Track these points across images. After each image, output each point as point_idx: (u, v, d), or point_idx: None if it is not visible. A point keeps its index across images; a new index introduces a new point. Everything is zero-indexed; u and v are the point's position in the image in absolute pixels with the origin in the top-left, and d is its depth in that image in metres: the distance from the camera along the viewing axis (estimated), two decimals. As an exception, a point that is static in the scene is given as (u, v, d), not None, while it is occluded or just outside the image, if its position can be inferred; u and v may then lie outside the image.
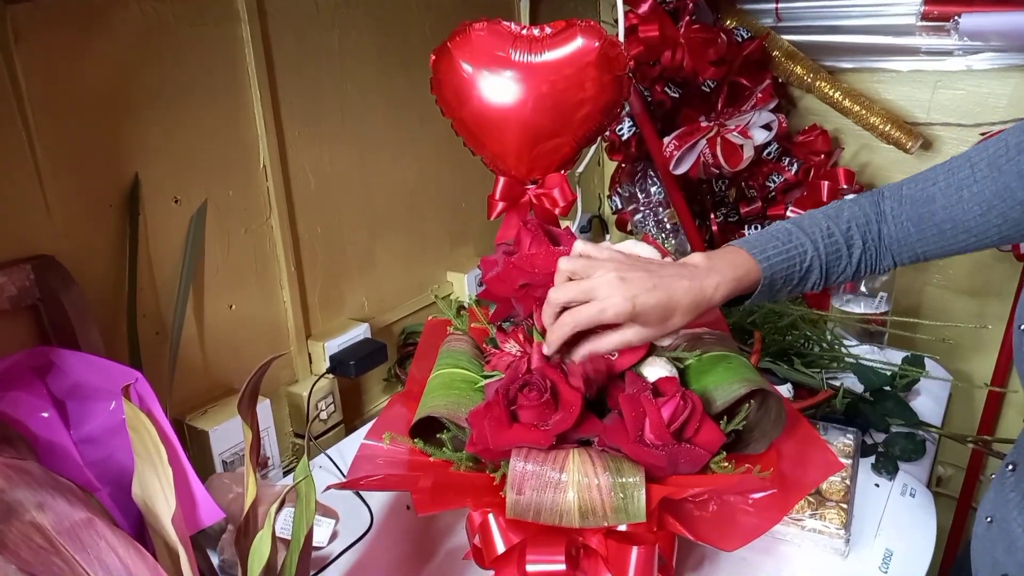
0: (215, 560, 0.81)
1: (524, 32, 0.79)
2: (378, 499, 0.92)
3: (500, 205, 0.89)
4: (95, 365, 0.75)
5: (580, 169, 1.37)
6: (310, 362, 1.10)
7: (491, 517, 0.66)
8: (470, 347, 0.81)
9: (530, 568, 0.64)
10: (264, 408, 0.98)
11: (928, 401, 1.08)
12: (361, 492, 0.93)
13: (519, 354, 0.73)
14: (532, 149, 0.82)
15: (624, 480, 0.61)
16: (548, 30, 0.79)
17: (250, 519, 0.65)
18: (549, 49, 0.78)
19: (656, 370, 0.70)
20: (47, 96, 0.76)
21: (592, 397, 0.67)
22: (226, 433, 0.92)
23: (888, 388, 1.02)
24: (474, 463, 0.69)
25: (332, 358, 1.08)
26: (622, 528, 0.63)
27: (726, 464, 0.64)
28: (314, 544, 0.82)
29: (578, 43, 0.77)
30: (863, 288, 1.16)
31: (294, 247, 1.05)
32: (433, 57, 0.84)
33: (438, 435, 0.70)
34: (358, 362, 1.08)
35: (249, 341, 1.01)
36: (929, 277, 1.40)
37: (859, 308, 1.15)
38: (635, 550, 0.64)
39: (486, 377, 0.74)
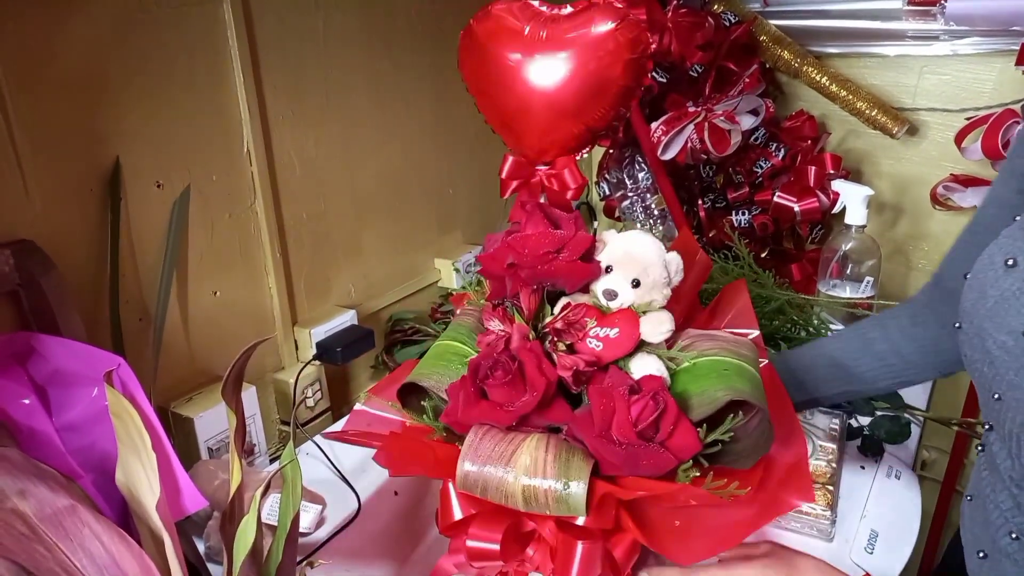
0: (201, 547, 0.81)
1: (546, 10, 0.77)
2: (365, 485, 0.92)
3: (513, 184, 0.88)
4: (77, 351, 0.74)
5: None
6: (296, 349, 1.10)
7: (451, 486, 0.67)
8: (475, 322, 0.80)
9: (469, 543, 0.66)
10: (250, 395, 0.97)
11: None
12: (348, 478, 0.93)
13: (502, 333, 0.72)
14: (549, 132, 0.80)
15: (569, 472, 0.60)
16: (569, 8, 0.77)
17: (235, 505, 0.64)
18: (569, 30, 0.76)
19: (644, 366, 0.67)
20: (25, 78, 0.75)
21: (577, 391, 0.66)
22: (211, 420, 0.91)
23: (874, 372, 1.03)
24: (448, 434, 0.69)
25: (319, 345, 1.08)
26: (579, 522, 0.63)
27: (697, 474, 0.61)
28: (301, 530, 0.82)
29: (596, 23, 0.75)
30: (849, 272, 1.17)
31: (279, 233, 1.04)
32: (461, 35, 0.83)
33: (422, 403, 0.71)
34: (345, 349, 1.07)
35: (234, 327, 1.00)
36: (915, 262, 1.41)
37: (845, 293, 1.16)
38: (580, 545, 0.63)
39: (476, 352, 0.74)
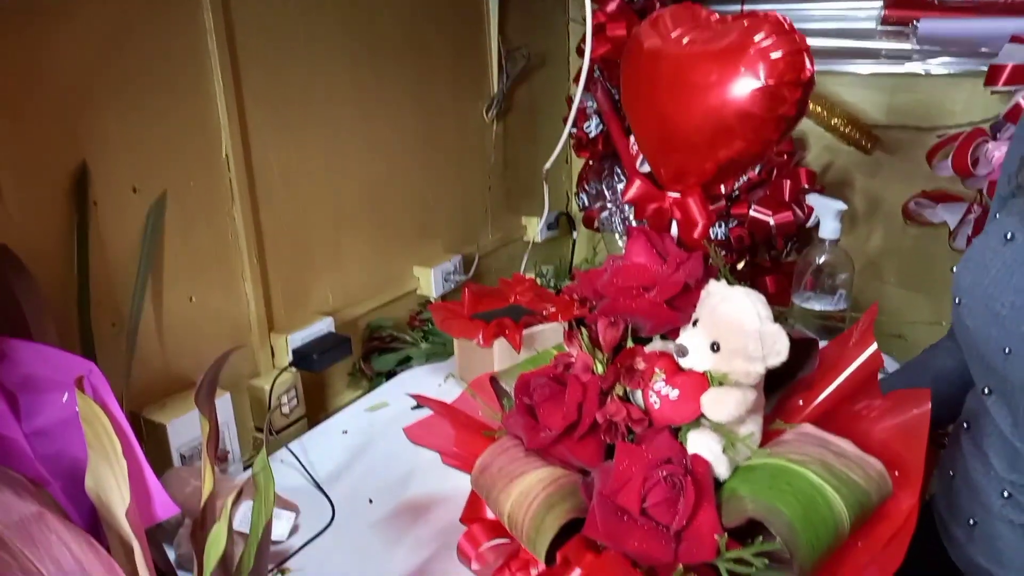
0: (172, 555, 0.80)
1: (712, 19, 0.71)
2: (340, 492, 0.91)
3: (651, 207, 0.83)
4: (48, 356, 0.73)
5: (548, 166, 1.38)
6: (272, 355, 1.09)
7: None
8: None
9: (463, 539, 0.67)
10: (224, 402, 0.96)
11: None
12: (322, 486, 0.92)
13: (574, 359, 0.67)
14: (672, 152, 0.75)
15: (547, 517, 0.57)
16: (741, 23, 0.69)
17: (207, 512, 0.64)
18: (721, 51, 0.68)
19: (698, 442, 0.59)
20: (-1, 81, 0.74)
21: (609, 442, 0.61)
22: (184, 426, 0.90)
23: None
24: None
25: (295, 352, 1.07)
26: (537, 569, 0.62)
27: None
28: (274, 538, 0.81)
29: (753, 63, 0.66)
30: (822, 285, 1.18)
31: (257, 239, 1.03)
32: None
33: (502, 401, 0.72)
34: (321, 356, 1.07)
35: (210, 334, 0.99)
36: (887, 276, 1.44)
37: (819, 305, 1.17)
38: None
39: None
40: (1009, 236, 0.66)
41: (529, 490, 0.60)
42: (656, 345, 0.65)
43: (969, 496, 0.72)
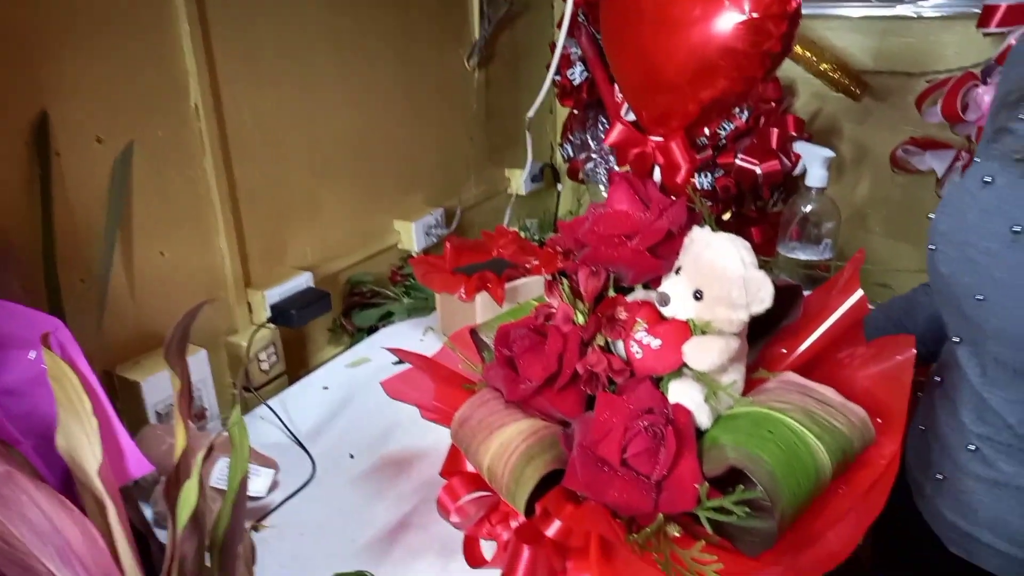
0: (149, 513, 0.79)
1: None
2: (321, 448, 0.91)
3: (632, 152, 0.80)
4: (13, 312, 0.71)
5: (531, 114, 1.34)
6: (250, 312, 1.07)
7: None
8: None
9: (442, 492, 0.65)
10: (200, 359, 0.94)
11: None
12: (303, 442, 0.92)
13: (555, 309, 0.65)
14: (654, 94, 0.72)
15: (526, 468, 0.56)
16: None
17: (180, 469, 0.62)
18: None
19: (680, 392, 0.58)
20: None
21: (590, 393, 0.60)
22: (159, 384, 0.89)
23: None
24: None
25: (273, 307, 1.05)
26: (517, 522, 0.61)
27: (677, 533, 0.54)
28: (253, 494, 0.81)
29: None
30: (808, 234, 1.17)
31: (230, 192, 1.00)
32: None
33: (483, 353, 0.71)
34: (300, 311, 1.05)
35: (184, 290, 0.97)
36: (873, 226, 1.42)
37: (804, 255, 1.16)
38: (526, 550, 0.60)
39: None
40: (988, 180, 0.64)
41: (509, 442, 0.59)
42: (638, 295, 0.64)
43: (938, 450, 0.72)
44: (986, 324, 0.63)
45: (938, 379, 0.74)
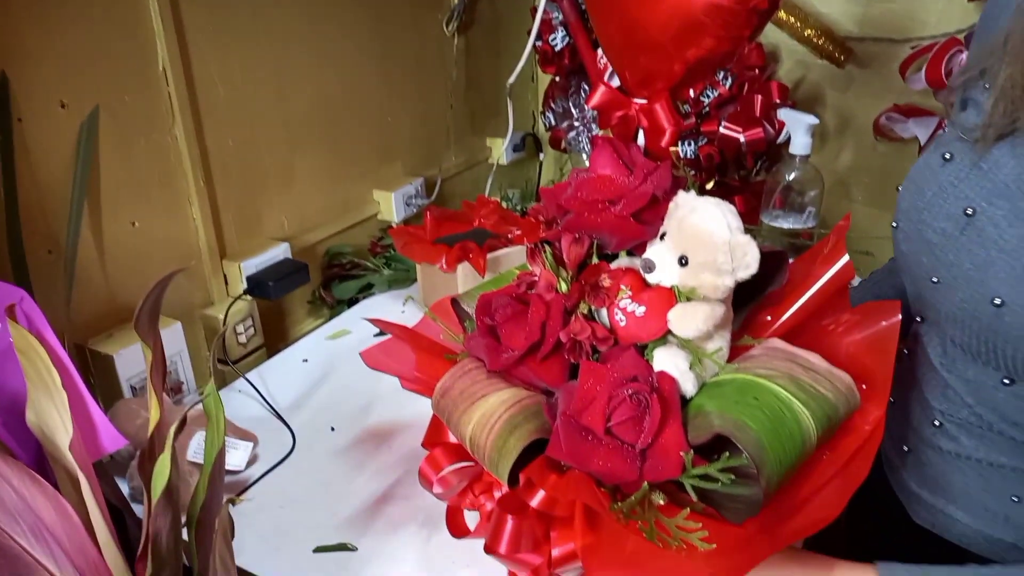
0: (125, 488, 0.77)
1: None
2: (301, 421, 0.89)
3: (616, 115, 0.78)
4: (-24, 284, 0.69)
5: (511, 80, 1.32)
6: (226, 283, 1.04)
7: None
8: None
9: (424, 463, 0.65)
10: (175, 331, 0.92)
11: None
12: (283, 415, 0.90)
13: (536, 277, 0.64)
14: (638, 54, 0.70)
15: (509, 439, 0.55)
16: None
17: (154, 443, 0.61)
18: None
19: (664, 359, 0.56)
20: None
21: (573, 361, 0.59)
22: (133, 357, 0.86)
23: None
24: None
25: (249, 279, 1.03)
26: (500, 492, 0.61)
27: (662, 502, 0.53)
28: (232, 468, 0.79)
29: None
30: (791, 203, 1.16)
31: (202, 160, 0.97)
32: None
33: (465, 323, 0.69)
34: (277, 283, 1.02)
35: (156, 261, 0.94)
36: (856, 195, 1.42)
37: (787, 223, 1.16)
38: (509, 520, 0.59)
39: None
40: (947, 156, 0.61)
41: (491, 412, 0.58)
42: (621, 262, 0.63)
43: (904, 423, 0.71)
44: (940, 307, 0.62)
45: (906, 352, 0.74)
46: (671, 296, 0.57)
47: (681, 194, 0.59)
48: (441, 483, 0.63)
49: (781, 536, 0.52)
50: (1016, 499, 0.63)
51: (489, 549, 0.60)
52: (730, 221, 0.56)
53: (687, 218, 0.57)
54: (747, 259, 0.55)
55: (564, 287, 0.61)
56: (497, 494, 0.63)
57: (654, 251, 0.58)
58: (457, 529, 0.68)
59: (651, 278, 0.58)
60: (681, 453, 0.52)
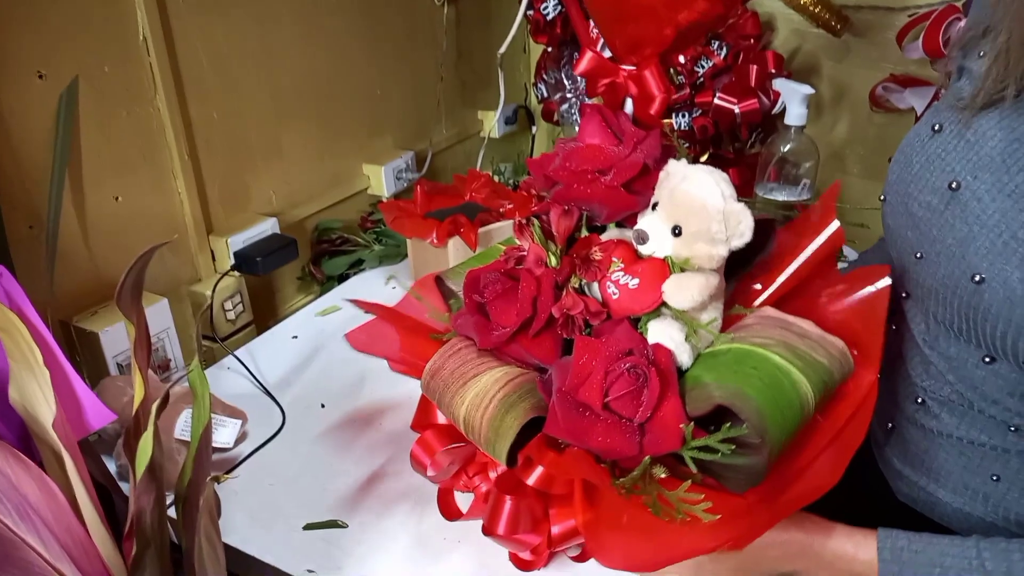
0: (112, 467, 0.76)
1: None
2: (290, 398, 0.88)
3: (603, 83, 0.75)
4: (-46, 261, 0.67)
5: (502, 50, 1.29)
6: (213, 260, 1.03)
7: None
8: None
9: (416, 446, 0.64)
10: (162, 308, 0.91)
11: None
12: (272, 392, 0.89)
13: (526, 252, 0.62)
14: (628, 19, 0.68)
15: (506, 417, 0.54)
16: None
17: (139, 421, 0.60)
18: None
19: (660, 332, 0.56)
20: None
21: (566, 336, 0.58)
22: (119, 334, 0.85)
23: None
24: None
25: (237, 255, 1.01)
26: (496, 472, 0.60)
27: (663, 475, 0.53)
28: (220, 445, 0.79)
29: None
30: (786, 175, 1.15)
31: (187, 133, 0.95)
32: None
33: (450, 301, 0.68)
34: (265, 259, 1.01)
35: (141, 236, 0.92)
36: (851, 167, 1.41)
37: (782, 196, 1.14)
38: (508, 501, 0.58)
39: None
40: (937, 127, 0.60)
41: (484, 391, 0.57)
42: (611, 234, 0.61)
43: (890, 399, 0.71)
44: (923, 283, 0.61)
45: (892, 328, 0.73)
46: (665, 267, 0.56)
47: (672, 163, 0.58)
48: (435, 466, 0.63)
49: (782, 505, 0.51)
50: (995, 478, 0.63)
51: (487, 531, 0.59)
52: (723, 189, 0.55)
53: (679, 187, 0.56)
54: (741, 227, 0.55)
55: (554, 261, 0.60)
56: (493, 474, 0.62)
57: (647, 222, 0.57)
58: (450, 512, 0.67)
59: (644, 249, 0.57)
60: (681, 426, 0.51)
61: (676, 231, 0.55)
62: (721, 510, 0.50)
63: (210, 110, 0.98)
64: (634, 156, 0.58)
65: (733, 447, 0.49)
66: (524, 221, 0.62)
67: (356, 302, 0.71)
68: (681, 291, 0.54)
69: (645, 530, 0.53)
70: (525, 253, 0.61)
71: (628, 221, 0.60)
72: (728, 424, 0.49)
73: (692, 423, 0.51)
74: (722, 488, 0.53)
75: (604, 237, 0.61)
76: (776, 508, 0.51)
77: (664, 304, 0.56)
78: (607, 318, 0.58)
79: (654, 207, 0.57)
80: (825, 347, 0.56)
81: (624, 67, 0.71)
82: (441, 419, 0.65)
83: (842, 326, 0.59)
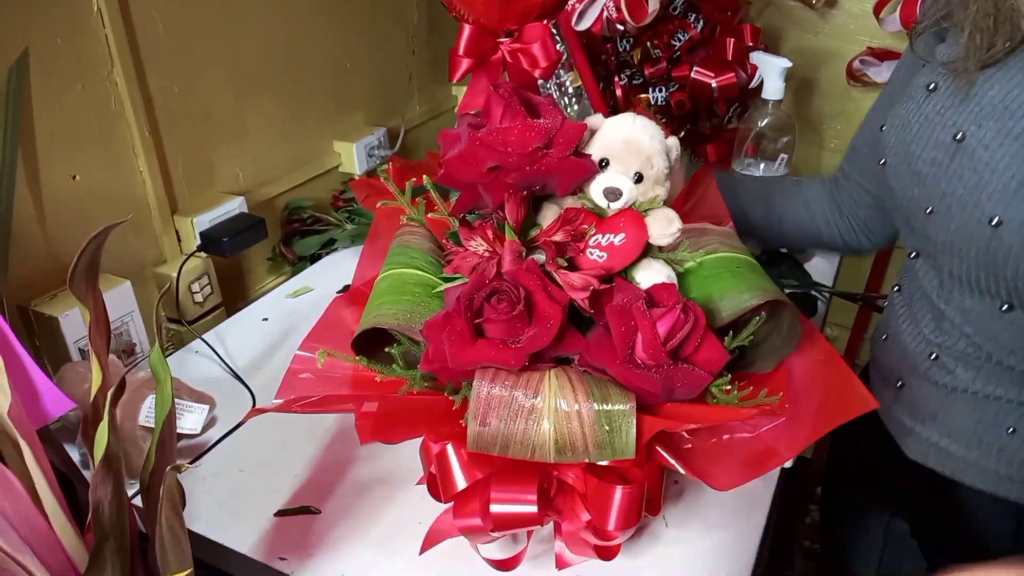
0: (76, 455, 0.74)
1: None
2: (261, 382, 0.86)
3: (464, 63, 0.73)
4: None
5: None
6: (179, 240, 1.00)
7: (450, 448, 0.56)
8: (428, 242, 0.67)
9: (495, 508, 0.53)
10: (125, 291, 0.88)
11: (822, 262, 1.10)
12: (242, 375, 0.87)
13: (487, 255, 0.58)
14: None
15: (611, 409, 0.51)
16: None
17: (97, 407, 0.58)
18: None
19: (651, 275, 0.59)
20: None
21: (590, 314, 0.55)
22: (80, 319, 0.82)
23: (784, 251, 1.02)
24: (430, 383, 0.58)
25: (203, 235, 0.98)
26: (603, 462, 0.55)
27: (729, 388, 0.56)
28: (187, 432, 0.76)
29: None
30: (763, 150, 1.14)
31: (146, 108, 0.91)
32: None
33: (387, 349, 0.59)
34: (232, 239, 0.98)
35: (101, 217, 0.89)
36: (827, 141, 1.40)
37: (759, 171, 1.13)
38: (619, 490, 0.53)
39: (446, 280, 0.62)
40: (931, 87, 0.63)
41: (563, 403, 0.52)
42: (548, 212, 0.62)
43: (900, 358, 0.72)
44: (936, 237, 0.63)
45: (896, 288, 0.73)
46: (638, 215, 0.59)
47: (590, 119, 0.62)
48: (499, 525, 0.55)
49: (815, 424, 0.55)
50: (1011, 431, 0.64)
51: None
52: (646, 126, 0.61)
53: (632, 138, 0.60)
54: (675, 154, 0.63)
55: (525, 252, 0.58)
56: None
57: (611, 179, 0.59)
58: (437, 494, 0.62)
59: (615, 205, 0.60)
60: (721, 342, 0.55)
61: (638, 178, 0.60)
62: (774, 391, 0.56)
63: (170, 84, 0.94)
64: (568, 123, 0.57)
65: (752, 338, 0.57)
66: (480, 223, 0.60)
67: (254, 412, 0.62)
68: (666, 227, 0.59)
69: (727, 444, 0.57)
70: (487, 256, 0.58)
71: (560, 192, 0.61)
72: (758, 318, 0.57)
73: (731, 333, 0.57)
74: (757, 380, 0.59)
75: (543, 217, 0.61)
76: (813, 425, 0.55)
77: (647, 249, 0.59)
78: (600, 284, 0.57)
79: (603, 165, 0.60)
80: (729, 234, 0.67)
81: (501, 40, 0.71)
82: (461, 481, 0.56)
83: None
